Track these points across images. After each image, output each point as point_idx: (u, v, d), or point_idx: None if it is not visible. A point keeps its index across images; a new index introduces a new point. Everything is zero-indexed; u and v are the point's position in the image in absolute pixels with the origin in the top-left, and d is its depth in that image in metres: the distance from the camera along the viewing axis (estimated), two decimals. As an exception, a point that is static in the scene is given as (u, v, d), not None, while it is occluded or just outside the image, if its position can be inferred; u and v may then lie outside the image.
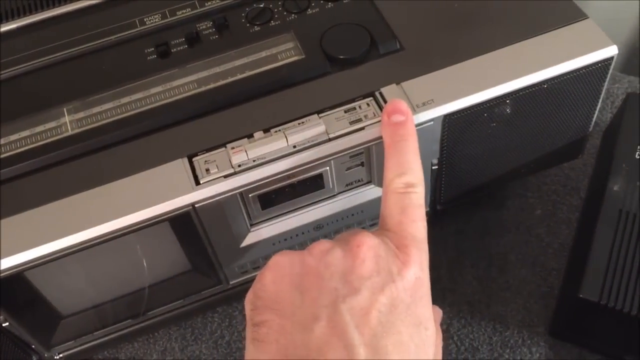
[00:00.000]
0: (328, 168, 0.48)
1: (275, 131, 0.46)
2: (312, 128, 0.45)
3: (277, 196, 0.49)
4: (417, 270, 0.37)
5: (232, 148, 0.45)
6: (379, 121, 0.46)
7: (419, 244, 0.39)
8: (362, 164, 0.49)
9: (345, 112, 0.47)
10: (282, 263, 0.37)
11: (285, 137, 0.45)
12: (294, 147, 0.45)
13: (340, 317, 0.34)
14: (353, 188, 0.52)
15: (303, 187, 0.49)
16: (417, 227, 0.40)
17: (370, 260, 0.36)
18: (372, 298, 0.35)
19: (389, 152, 0.42)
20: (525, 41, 0.50)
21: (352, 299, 0.35)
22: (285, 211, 0.51)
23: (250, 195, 0.47)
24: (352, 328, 0.34)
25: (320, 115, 0.46)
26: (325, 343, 0.33)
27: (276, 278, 0.36)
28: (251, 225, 0.51)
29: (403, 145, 0.42)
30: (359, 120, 0.46)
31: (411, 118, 0.44)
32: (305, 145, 0.45)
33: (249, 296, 0.37)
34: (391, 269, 0.36)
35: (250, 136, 0.46)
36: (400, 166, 0.41)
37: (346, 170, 0.49)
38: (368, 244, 0.37)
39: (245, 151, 0.45)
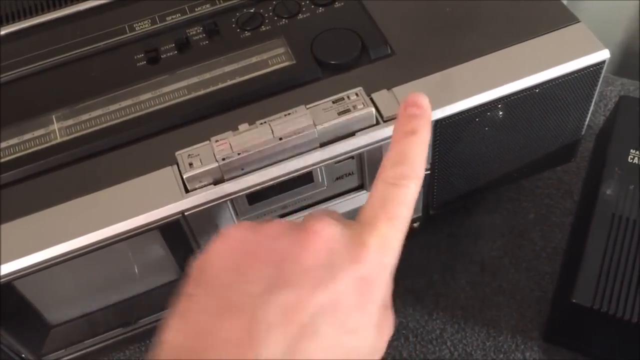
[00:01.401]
0: None
1: (261, 123, 0.44)
2: (299, 119, 0.44)
3: (264, 192, 0.48)
4: (369, 270, 0.33)
5: (217, 141, 0.44)
6: (372, 125, 0.46)
7: (385, 245, 0.35)
8: (352, 157, 0.49)
9: (334, 102, 0.45)
10: (233, 236, 0.34)
11: (271, 129, 0.43)
12: (280, 139, 0.44)
13: (264, 313, 0.30)
14: (345, 193, 0.52)
15: (291, 182, 0.48)
16: (393, 226, 0.35)
17: (319, 253, 0.32)
18: (306, 295, 0.31)
19: (394, 142, 0.39)
20: (517, 45, 0.50)
21: (285, 292, 0.31)
22: (273, 206, 0.51)
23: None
24: (271, 330, 0.30)
25: (308, 106, 0.45)
26: (234, 339, 0.30)
27: (222, 252, 0.34)
28: (242, 232, 0.50)
29: (411, 138, 0.39)
30: (348, 111, 0.45)
31: (428, 113, 0.40)
32: (292, 138, 0.44)
33: (194, 262, 0.35)
34: (341, 265, 0.32)
35: (235, 129, 0.44)
36: (399, 155, 0.38)
37: (335, 164, 0.49)
38: (324, 235, 0.33)
39: (230, 144, 0.43)
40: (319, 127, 0.44)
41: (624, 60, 0.94)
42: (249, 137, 0.43)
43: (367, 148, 0.46)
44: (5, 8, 0.57)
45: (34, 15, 0.57)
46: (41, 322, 0.51)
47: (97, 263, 0.47)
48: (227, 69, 0.51)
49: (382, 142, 0.47)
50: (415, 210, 0.56)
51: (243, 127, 0.44)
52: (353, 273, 0.33)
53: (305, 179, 0.48)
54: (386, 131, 0.46)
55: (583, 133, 0.57)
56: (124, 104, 0.49)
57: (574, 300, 0.49)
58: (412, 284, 0.61)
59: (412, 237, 0.61)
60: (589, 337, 0.54)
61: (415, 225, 0.59)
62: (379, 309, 0.34)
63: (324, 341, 0.31)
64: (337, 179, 0.51)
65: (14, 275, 0.43)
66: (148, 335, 0.58)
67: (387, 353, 0.57)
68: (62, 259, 0.44)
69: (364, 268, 0.33)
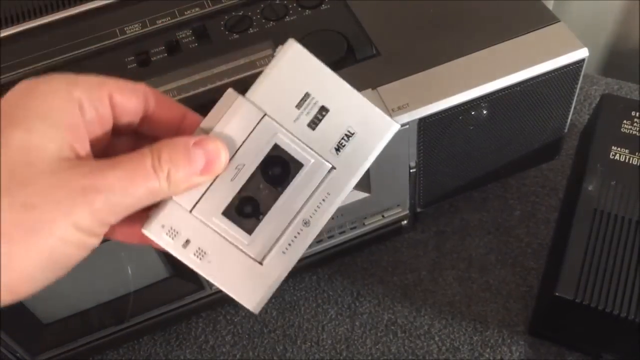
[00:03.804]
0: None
1: None
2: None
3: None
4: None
5: None
6: None
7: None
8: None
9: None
10: None
11: None
12: None
13: None
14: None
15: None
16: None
17: None
18: None
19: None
20: (498, 45, 0.51)
21: None
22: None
23: None
24: None
25: None
26: None
27: None
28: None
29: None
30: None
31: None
32: None
33: None
34: None
35: None
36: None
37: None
38: None
39: None
40: None
41: (609, 61, 0.95)
42: None
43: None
44: (-2, 13, 0.58)
45: (26, 20, 0.57)
46: (34, 320, 0.52)
47: (90, 261, 0.48)
48: (216, 70, 0.52)
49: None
50: (403, 208, 0.58)
51: None
52: None
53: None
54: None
55: (566, 131, 0.58)
56: (115, 105, 0.50)
57: (557, 294, 0.50)
58: (400, 280, 0.61)
59: (400, 235, 0.63)
60: (573, 330, 0.55)
61: (403, 223, 0.60)
62: None
63: None
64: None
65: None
66: (141, 333, 0.59)
67: (375, 349, 0.58)
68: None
69: None
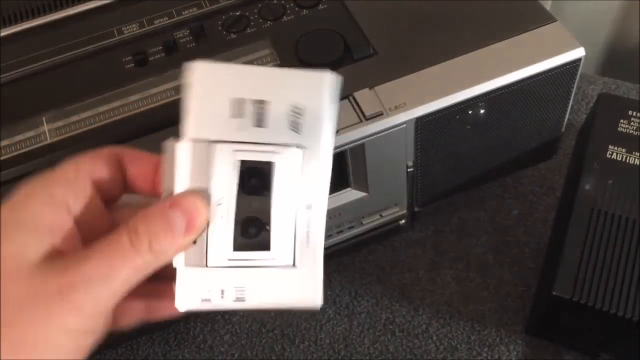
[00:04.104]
0: None
1: None
2: None
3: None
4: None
5: None
6: (355, 123, 0.47)
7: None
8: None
9: None
10: None
11: None
12: None
13: None
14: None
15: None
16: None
17: None
18: None
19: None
20: (495, 44, 0.51)
21: None
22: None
23: None
24: None
25: None
26: None
27: None
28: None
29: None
30: None
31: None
32: None
33: None
34: None
35: None
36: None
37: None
38: None
39: None
40: None
41: (607, 60, 0.95)
42: None
43: (350, 146, 0.48)
44: (-5, 12, 0.59)
45: (24, 20, 0.58)
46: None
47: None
48: (214, 70, 0.52)
49: (364, 140, 0.48)
50: (400, 207, 0.58)
51: None
52: None
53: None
54: (369, 129, 0.47)
55: (563, 130, 0.58)
56: (112, 105, 0.50)
57: (554, 293, 0.50)
58: (398, 280, 0.62)
59: (398, 234, 0.63)
60: (571, 329, 0.55)
61: (401, 222, 0.60)
62: None
63: None
64: None
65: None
66: (140, 333, 0.59)
67: (373, 348, 0.58)
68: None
69: None
